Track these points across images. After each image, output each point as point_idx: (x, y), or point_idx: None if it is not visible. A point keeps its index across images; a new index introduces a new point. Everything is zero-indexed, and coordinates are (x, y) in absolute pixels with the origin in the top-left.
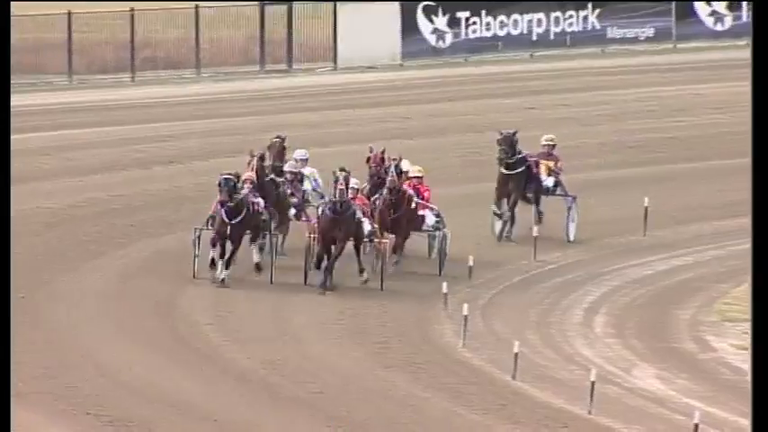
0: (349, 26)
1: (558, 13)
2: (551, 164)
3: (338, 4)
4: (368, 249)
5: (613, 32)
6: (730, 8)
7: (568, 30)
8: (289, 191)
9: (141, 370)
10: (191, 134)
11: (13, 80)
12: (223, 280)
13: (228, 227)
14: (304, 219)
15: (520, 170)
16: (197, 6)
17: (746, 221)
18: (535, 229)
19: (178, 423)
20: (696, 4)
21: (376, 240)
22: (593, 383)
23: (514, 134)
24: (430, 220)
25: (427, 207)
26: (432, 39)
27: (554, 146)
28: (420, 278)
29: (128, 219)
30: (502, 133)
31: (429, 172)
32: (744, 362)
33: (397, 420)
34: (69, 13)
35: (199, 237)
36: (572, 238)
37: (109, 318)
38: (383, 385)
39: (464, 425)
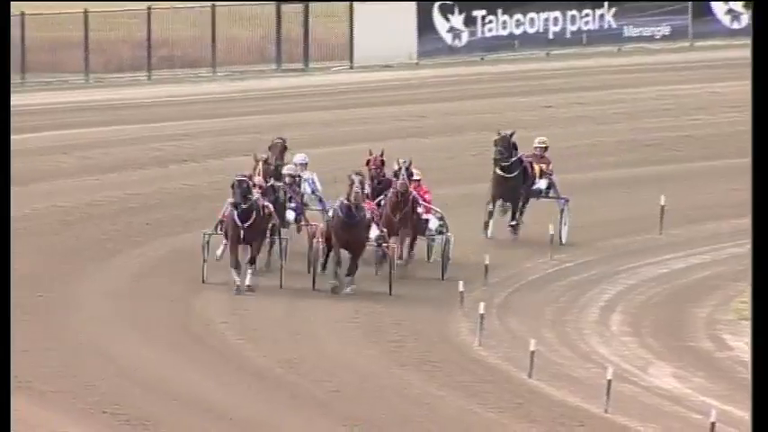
0: (365, 25)
1: (575, 12)
2: (543, 166)
3: (354, 3)
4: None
5: (630, 31)
6: (747, 6)
7: (585, 28)
8: (288, 195)
9: (157, 368)
10: (207, 133)
11: (30, 79)
12: (250, 287)
13: (242, 231)
14: (303, 223)
15: (517, 173)
16: (213, 5)
17: None
18: (514, 230)
19: (194, 422)
20: (713, 2)
21: (384, 245)
22: (609, 382)
23: (512, 135)
24: (433, 224)
25: (431, 210)
26: (448, 37)
27: (546, 148)
28: (430, 280)
29: (144, 217)
30: (499, 133)
31: (444, 171)
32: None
33: (412, 419)
34: (86, 12)
35: (208, 242)
36: (564, 241)
37: (125, 316)
38: (398, 383)
39: (479, 423)
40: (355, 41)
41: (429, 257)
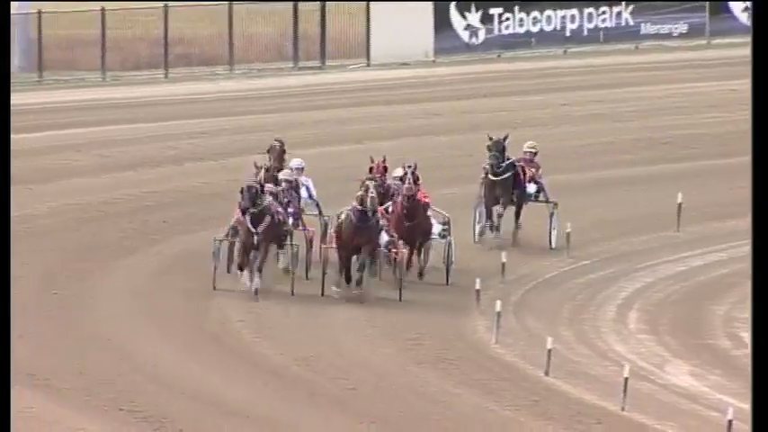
0: (382, 22)
1: (592, 9)
2: (533, 171)
3: (371, 3)
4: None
5: (647, 28)
6: None
7: (602, 26)
8: (285, 199)
9: (174, 366)
10: (223, 131)
11: (46, 77)
12: (256, 291)
13: (254, 236)
14: (301, 228)
15: (507, 175)
16: (230, 3)
17: None
18: (516, 234)
19: (210, 419)
20: (730, 0)
21: (393, 250)
22: (626, 380)
23: (505, 139)
24: (435, 228)
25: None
26: (465, 35)
27: (536, 153)
28: (439, 284)
29: (161, 215)
30: (491, 138)
31: (460, 168)
32: None
33: (428, 417)
34: (103, 10)
35: (219, 248)
36: (554, 245)
37: (142, 314)
38: (415, 381)
39: (496, 421)
40: (372, 39)
41: (420, 262)
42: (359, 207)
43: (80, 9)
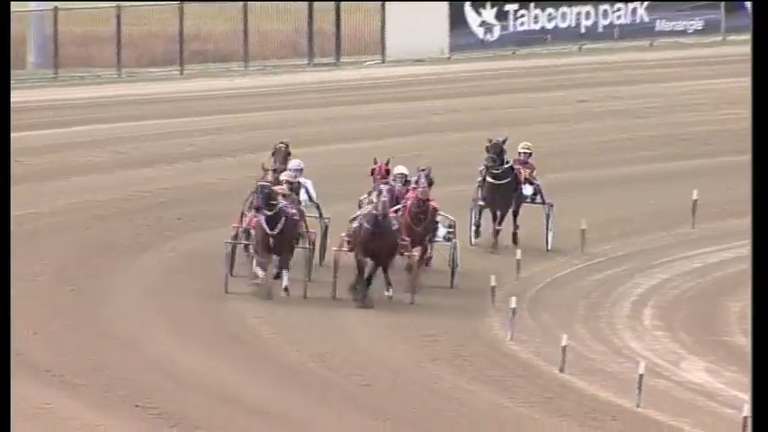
0: (397, 19)
1: (607, 6)
2: (528, 172)
3: (387, 3)
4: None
5: (662, 25)
6: None
7: (617, 22)
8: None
9: (189, 362)
10: (239, 127)
11: (62, 74)
12: (286, 288)
13: (271, 238)
14: (303, 230)
15: (508, 180)
16: (245, 4)
17: None
18: (516, 236)
19: (226, 416)
20: None
21: (405, 254)
22: (641, 376)
23: (504, 141)
24: (441, 231)
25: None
26: (480, 32)
27: (530, 154)
28: (448, 287)
29: (176, 212)
30: (491, 140)
31: (476, 165)
32: None
33: (443, 413)
34: (119, 7)
35: (231, 251)
36: (550, 247)
37: (157, 311)
38: (430, 378)
39: (511, 418)
40: (387, 36)
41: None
42: (374, 212)
43: (96, 6)
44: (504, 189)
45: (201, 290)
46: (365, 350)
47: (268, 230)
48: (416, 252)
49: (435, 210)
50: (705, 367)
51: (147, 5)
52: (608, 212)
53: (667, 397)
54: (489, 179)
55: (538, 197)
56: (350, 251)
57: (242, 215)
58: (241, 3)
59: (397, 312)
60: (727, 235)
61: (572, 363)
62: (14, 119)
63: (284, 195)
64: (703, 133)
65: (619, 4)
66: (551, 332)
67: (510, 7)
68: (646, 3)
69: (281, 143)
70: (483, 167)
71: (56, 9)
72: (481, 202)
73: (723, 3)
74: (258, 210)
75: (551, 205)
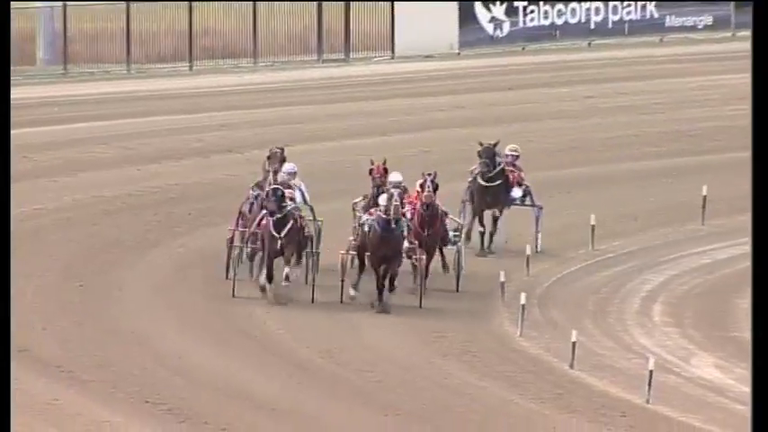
0: (406, 15)
1: (617, 2)
2: (515, 174)
3: (396, 3)
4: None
5: (672, 21)
6: None
7: (626, 18)
8: None
9: (198, 358)
10: (248, 123)
11: (71, 69)
12: (287, 277)
13: (279, 242)
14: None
15: (499, 182)
16: (254, 3)
17: None
18: (502, 240)
19: (235, 412)
20: None
21: (414, 257)
22: (651, 372)
23: (495, 145)
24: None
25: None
26: (489, 28)
27: (518, 156)
28: (454, 290)
29: (185, 208)
30: (482, 144)
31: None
32: None
33: (453, 409)
34: (128, 3)
35: (238, 255)
36: (540, 249)
37: (166, 307)
38: (439, 374)
39: (521, 413)
40: (397, 32)
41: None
42: (384, 216)
43: (105, 2)
44: (494, 191)
45: (210, 286)
46: (374, 346)
47: (275, 233)
48: (424, 256)
49: (445, 213)
50: (715, 363)
51: (157, 1)
52: (617, 208)
53: (677, 393)
54: (481, 182)
55: (527, 199)
56: (362, 256)
57: (239, 217)
58: (251, 1)
59: (405, 311)
60: (736, 231)
61: (582, 359)
62: (23, 115)
63: (291, 199)
64: (712, 129)
65: (628, 0)
66: (561, 328)
67: (519, 3)
68: None
69: (277, 148)
70: (475, 168)
71: (65, 5)
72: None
73: None
74: (272, 213)
75: (541, 208)
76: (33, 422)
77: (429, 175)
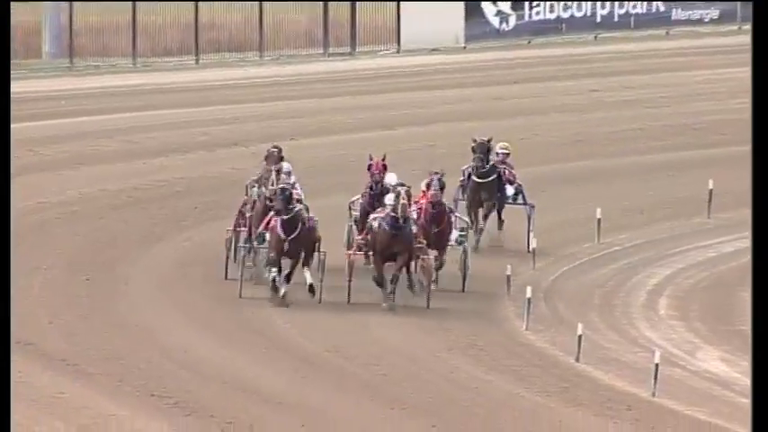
0: (412, 9)
1: None
2: (507, 172)
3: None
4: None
5: (678, 14)
6: None
7: (632, 11)
8: None
9: (204, 352)
10: (254, 117)
11: (77, 63)
12: (284, 295)
13: (286, 243)
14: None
15: (492, 178)
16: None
17: None
18: (499, 237)
19: (242, 405)
20: None
21: (422, 257)
22: (656, 366)
23: (489, 141)
24: (452, 234)
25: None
26: (495, 21)
27: (508, 154)
28: (462, 290)
29: (191, 201)
30: (476, 140)
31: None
32: None
33: (459, 402)
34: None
35: (244, 256)
36: (531, 248)
37: (172, 301)
38: (446, 367)
39: (527, 407)
40: (402, 25)
41: (416, 270)
42: (392, 214)
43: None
44: (487, 188)
45: (216, 281)
46: (381, 340)
47: (283, 236)
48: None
49: (451, 211)
50: (721, 357)
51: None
52: (622, 202)
53: (683, 386)
54: (475, 179)
55: (519, 198)
56: (373, 254)
57: (238, 217)
58: None
59: (412, 311)
60: (742, 225)
61: (588, 352)
62: (29, 108)
63: (298, 200)
64: (717, 123)
65: None
66: (567, 322)
67: None
68: None
69: (274, 147)
70: (468, 166)
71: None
72: (463, 201)
73: None
74: (278, 212)
75: (533, 206)
76: (39, 415)
77: (436, 173)
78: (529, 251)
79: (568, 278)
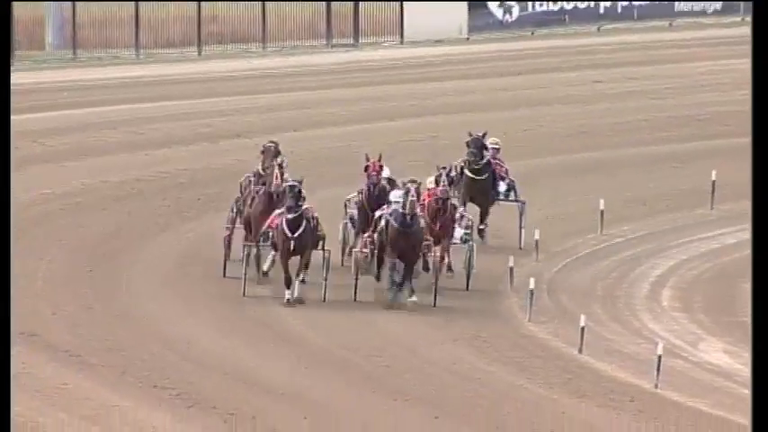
0: (416, 0)
1: None
2: (498, 167)
3: None
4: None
5: (681, 6)
6: None
7: (636, 3)
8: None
9: (207, 344)
10: (257, 108)
11: (80, 55)
12: (292, 300)
13: (292, 242)
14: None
15: (486, 175)
16: None
17: None
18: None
19: (244, 396)
20: None
21: (430, 254)
22: (659, 357)
23: (483, 136)
24: (458, 232)
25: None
26: (499, 12)
27: (498, 149)
28: (471, 289)
29: (194, 193)
30: (471, 135)
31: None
32: None
33: (462, 393)
34: None
35: (248, 254)
36: (523, 244)
37: (176, 292)
38: (449, 359)
39: (530, 398)
40: (406, 17)
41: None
42: (401, 211)
43: None
44: (482, 184)
45: (219, 272)
46: (384, 332)
47: (289, 234)
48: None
49: (455, 207)
50: (723, 348)
51: None
52: (625, 193)
53: (686, 378)
54: (468, 174)
55: (511, 194)
56: (372, 253)
57: (236, 215)
58: None
59: (417, 294)
60: (745, 216)
61: (590, 344)
62: (32, 100)
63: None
64: (721, 114)
65: None
66: (570, 313)
67: None
68: None
69: (271, 143)
70: (460, 162)
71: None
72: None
73: None
74: (290, 210)
75: (524, 203)
76: (42, 406)
77: (444, 168)
78: (521, 248)
79: (571, 270)
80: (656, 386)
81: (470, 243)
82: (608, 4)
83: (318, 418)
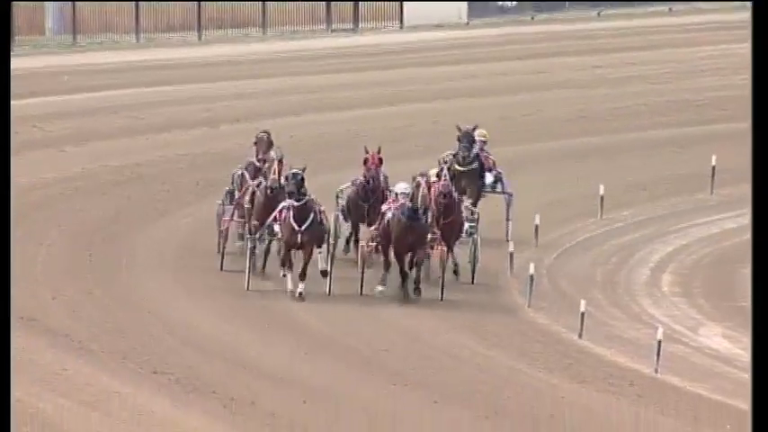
0: None
1: None
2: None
3: None
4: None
5: None
6: None
7: None
8: None
9: (207, 329)
10: (257, 93)
11: (81, 40)
12: (301, 294)
13: (299, 235)
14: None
15: (474, 166)
16: None
17: None
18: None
19: (244, 381)
20: None
21: (436, 248)
22: (659, 342)
23: (473, 129)
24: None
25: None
26: None
27: (485, 141)
28: (468, 283)
29: (194, 177)
30: (461, 129)
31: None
32: None
33: (462, 378)
34: None
35: (253, 248)
36: (510, 237)
37: (176, 276)
38: (449, 344)
39: (530, 383)
40: (405, 1)
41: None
42: (409, 204)
43: None
44: (469, 175)
45: (219, 256)
46: (384, 317)
47: (296, 227)
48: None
49: (460, 200)
50: (723, 333)
51: None
52: (625, 178)
53: (685, 362)
54: (456, 166)
55: (498, 185)
56: (387, 246)
57: (235, 208)
58: None
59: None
60: (745, 201)
61: (590, 329)
62: (32, 84)
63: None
64: (720, 99)
65: None
66: (570, 298)
67: None
68: None
69: (263, 132)
70: (447, 154)
71: None
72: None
73: None
74: (291, 195)
75: (511, 195)
76: (42, 392)
77: (446, 162)
78: (507, 240)
79: (571, 255)
80: (656, 371)
81: (475, 236)
82: None
83: (317, 403)
